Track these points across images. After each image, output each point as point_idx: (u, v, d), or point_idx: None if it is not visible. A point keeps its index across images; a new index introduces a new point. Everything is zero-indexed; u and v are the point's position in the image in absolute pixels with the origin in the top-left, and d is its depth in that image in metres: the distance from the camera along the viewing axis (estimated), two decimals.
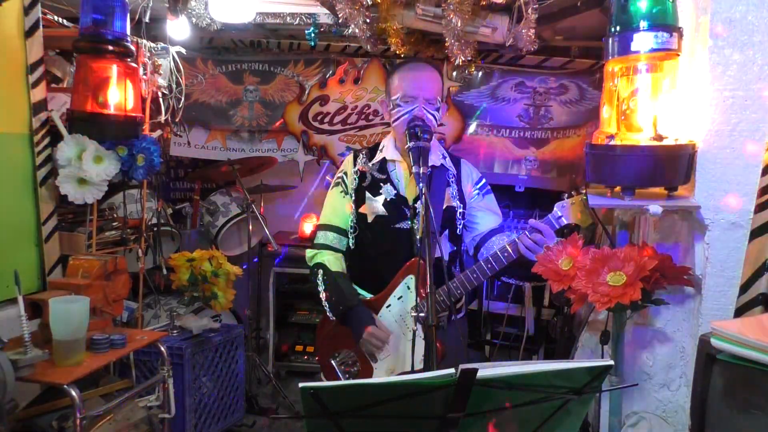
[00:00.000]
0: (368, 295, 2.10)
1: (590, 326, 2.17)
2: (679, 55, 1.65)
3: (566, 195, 1.92)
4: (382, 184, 2.09)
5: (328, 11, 3.06)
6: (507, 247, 1.91)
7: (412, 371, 1.89)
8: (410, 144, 1.83)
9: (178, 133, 3.85)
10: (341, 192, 2.15)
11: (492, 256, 1.93)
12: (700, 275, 1.73)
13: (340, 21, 2.93)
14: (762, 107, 1.60)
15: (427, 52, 3.36)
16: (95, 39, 2.36)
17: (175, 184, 4.35)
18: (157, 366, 2.43)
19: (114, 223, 2.85)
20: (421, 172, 1.73)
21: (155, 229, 3.20)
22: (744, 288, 1.61)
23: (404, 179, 2.09)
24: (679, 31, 1.62)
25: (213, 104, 3.93)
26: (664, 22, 1.61)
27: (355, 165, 2.15)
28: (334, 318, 2.07)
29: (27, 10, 2.27)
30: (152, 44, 3.02)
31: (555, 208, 1.92)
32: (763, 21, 1.59)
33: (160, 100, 3.06)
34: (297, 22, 3.22)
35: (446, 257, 2.08)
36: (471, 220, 2.13)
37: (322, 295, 2.08)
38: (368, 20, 2.87)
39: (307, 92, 3.86)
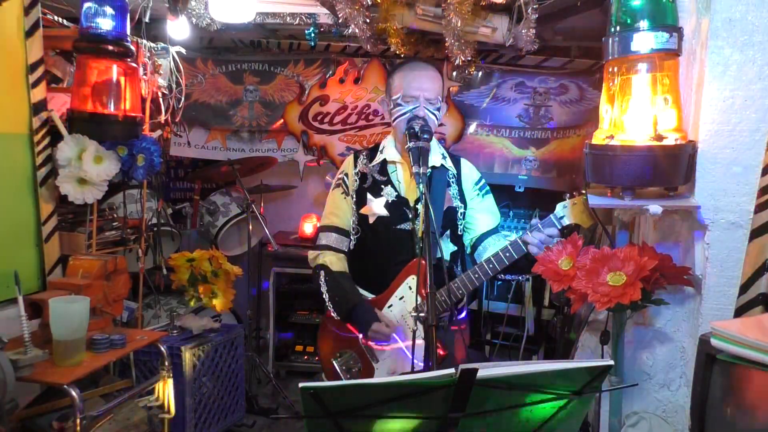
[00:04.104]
0: (370, 296, 2.10)
1: (590, 326, 2.17)
2: (679, 55, 1.65)
3: (568, 195, 1.92)
4: (383, 185, 2.09)
5: (328, 11, 3.05)
6: (509, 246, 1.91)
7: (412, 371, 1.89)
8: (410, 144, 1.83)
9: (178, 133, 3.86)
10: (342, 193, 2.15)
11: (494, 256, 1.93)
12: (700, 275, 1.73)
13: (340, 21, 2.93)
14: (762, 107, 1.60)
15: (427, 52, 3.36)
16: (95, 39, 2.36)
17: (175, 184, 4.35)
18: (157, 366, 2.43)
19: (114, 223, 2.85)
20: (420, 172, 1.73)
21: (155, 229, 3.20)
22: (744, 288, 1.61)
23: (405, 180, 2.09)
24: (679, 31, 1.62)
25: (213, 104, 3.94)
26: (664, 22, 1.61)
27: (355, 166, 2.15)
28: (338, 317, 2.07)
29: (27, 10, 2.27)
30: (152, 44, 3.01)
31: (557, 208, 1.92)
32: (763, 21, 1.58)
33: (160, 100, 3.06)
34: (297, 22, 3.22)
35: (447, 257, 2.08)
36: (470, 220, 2.13)
37: (326, 296, 2.08)
38: (368, 20, 2.87)
39: (307, 92, 3.86)
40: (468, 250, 2.16)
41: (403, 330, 2.02)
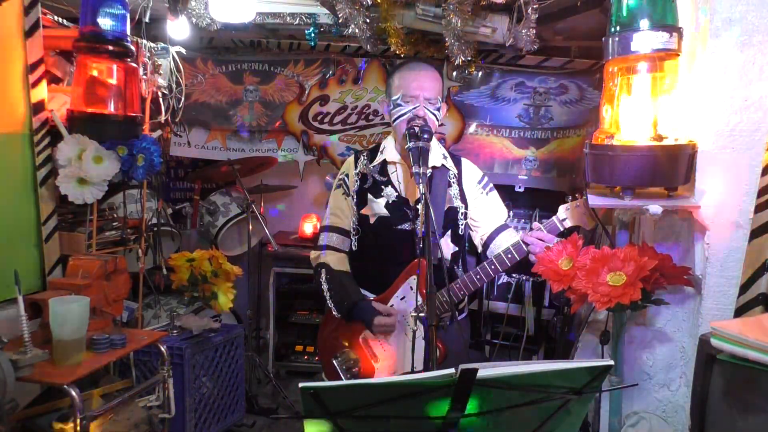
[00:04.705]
0: (371, 296, 2.10)
1: (590, 326, 2.17)
2: (679, 55, 1.65)
3: (570, 197, 1.91)
4: (383, 186, 2.09)
5: (328, 11, 3.05)
6: (511, 248, 1.91)
7: (412, 371, 1.89)
8: (410, 144, 1.83)
9: (178, 133, 3.85)
10: (343, 194, 2.15)
11: (496, 257, 1.93)
12: (700, 275, 1.73)
13: (340, 21, 2.93)
14: (762, 107, 1.60)
15: (427, 52, 3.36)
16: (95, 39, 2.36)
17: (175, 184, 4.35)
18: (157, 366, 2.43)
19: (114, 223, 2.85)
20: (421, 172, 1.73)
21: (155, 229, 3.20)
22: (744, 288, 1.61)
23: (405, 181, 2.09)
24: (679, 31, 1.62)
25: (213, 104, 3.93)
26: (664, 22, 1.61)
27: (356, 167, 2.15)
28: (339, 316, 2.07)
29: (27, 10, 2.27)
30: (152, 44, 3.01)
31: (559, 210, 1.92)
32: (763, 21, 1.58)
33: (160, 100, 3.06)
34: (297, 22, 3.22)
35: (448, 257, 2.08)
36: (476, 219, 2.13)
37: (326, 294, 2.08)
38: (368, 20, 2.87)
39: (307, 92, 3.86)
40: (480, 249, 2.16)
41: (403, 333, 2.02)
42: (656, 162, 1.61)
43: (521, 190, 3.68)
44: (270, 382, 3.63)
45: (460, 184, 2.12)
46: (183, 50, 3.20)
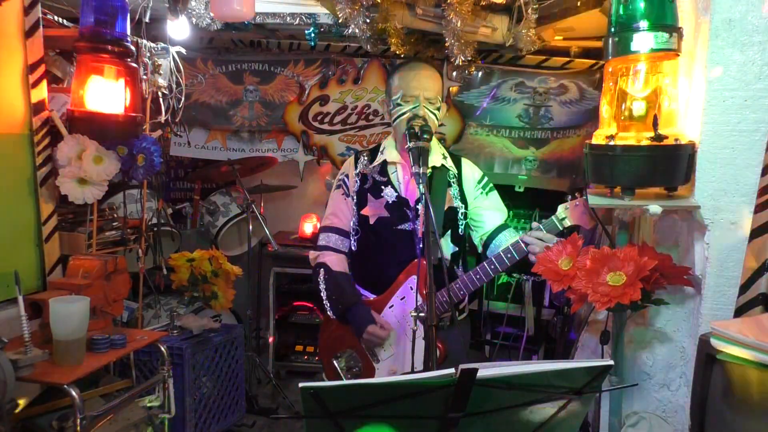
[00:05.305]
0: (372, 296, 2.10)
1: (590, 326, 2.17)
2: (679, 55, 1.65)
3: (569, 197, 1.91)
4: (383, 186, 2.09)
5: (328, 11, 3.05)
6: (511, 248, 1.91)
7: (412, 371, 1.89)
8: (410, 144, 1.83)
9: (178, 133, 3.86)
10: (343, 194, 2.15)
11: (495, 257, 1.93)
12: (700, 275, 1.73)
13: (340, 21, 2.93)
14: (762, 107, 1.60)
15: (427, 52, 3.36)
16: (95, 39, 2.36)
17: (175, 184, 4.35)
18: (157, 366, 2.43)
19: (114, 223, 2.85)
20: (420, 172, 1.73)
21: (155, 229, 3.20)
22: (744, 288, 1.61)
23: (405, 181, 2.09)
24: (679, 31, 1.62)
25: (213, 104, 3.94)
26: (664, 22, 1.61)
27: (356, 167, 2.15)
28: (334, 317, 2.08)
29: (27, 10, 2.27)
30: (152, 44, 3.01)
31: (558, 210, 1.92)
32: (763, 21, 1.58)
33: (160, 100, 3.06)
34: (297, 22, 3.22)
35: (448, 257, 2.08)
36: (476, 219, 2.13)
37: (323, 294, 2.08)
38: (368, 20, 2.87)
39: (307, 92, 3.86)
40: (480, 249, 2.15)
41: (403, 333, 2.02)
42: (656, 162, 1.61)
43: (521, 190, 3.68)
44: (270, 382, 3.63)
45: (460, 184, 2.12)
46: (183, 50, 3.20)
